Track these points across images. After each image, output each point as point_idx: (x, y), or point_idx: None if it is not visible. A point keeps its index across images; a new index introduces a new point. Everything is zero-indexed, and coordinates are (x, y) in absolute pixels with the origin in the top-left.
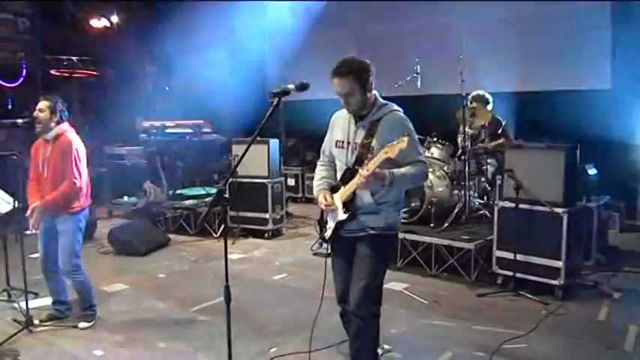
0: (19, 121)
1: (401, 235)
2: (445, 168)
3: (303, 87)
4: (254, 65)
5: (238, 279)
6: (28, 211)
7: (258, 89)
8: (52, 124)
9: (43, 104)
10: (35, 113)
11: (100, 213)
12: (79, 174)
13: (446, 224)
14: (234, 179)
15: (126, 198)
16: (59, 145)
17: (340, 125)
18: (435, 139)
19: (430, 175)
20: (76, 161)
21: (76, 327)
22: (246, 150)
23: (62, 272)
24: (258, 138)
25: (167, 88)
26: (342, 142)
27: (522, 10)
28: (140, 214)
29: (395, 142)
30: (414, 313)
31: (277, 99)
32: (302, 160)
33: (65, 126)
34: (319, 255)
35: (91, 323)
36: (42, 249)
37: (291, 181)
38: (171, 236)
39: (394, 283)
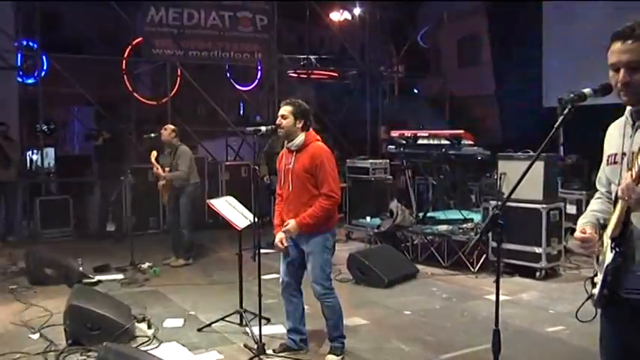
0: (263, 128)
1: None
2: None
3: (604, 90)
4: (526, 67)
5: (502, 325)
6: (278, 231)
7: (531, 94)
8: (297, 132)
9: (285, 109)
10: (278, 120)
11: (338, 234)
12: (336, 186)
13: None
14: (499, 202)
15: (368, 219)
16: (306, 156)
17: (614, 135)
18: None
19: None
20: (331, 172)
21: None
22: (529, 168)
23: (314, 295)
24: (531, 152)
25: (416, 91)
26: (615, 155)
27: None
28: (383, 239)
29: None
30: None
31: (570, 107)
32: (586, 183)
33: (312, 134)
34: None
35: (340, 357)
36: (283, 270)
37: (571, 209)
38: (420, 267)
39: None
